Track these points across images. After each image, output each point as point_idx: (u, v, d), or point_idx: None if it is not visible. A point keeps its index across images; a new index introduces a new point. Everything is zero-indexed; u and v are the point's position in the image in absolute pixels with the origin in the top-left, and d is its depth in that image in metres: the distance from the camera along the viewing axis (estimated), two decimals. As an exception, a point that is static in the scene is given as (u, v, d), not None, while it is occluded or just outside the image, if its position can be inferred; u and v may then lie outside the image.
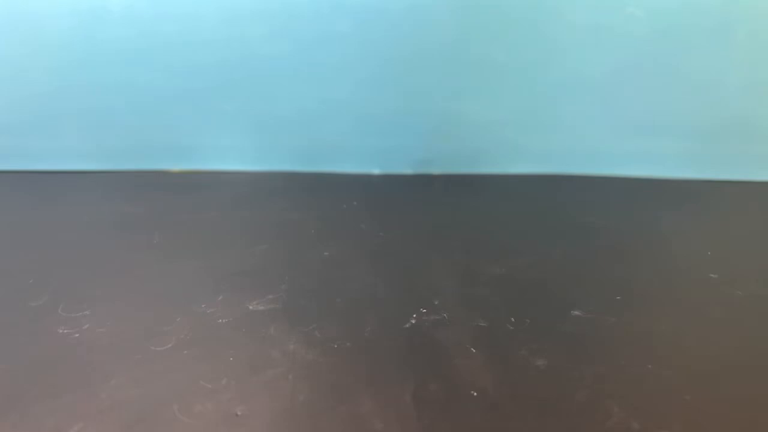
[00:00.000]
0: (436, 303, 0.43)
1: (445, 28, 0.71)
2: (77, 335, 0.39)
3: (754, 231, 0.62)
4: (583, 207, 0.67)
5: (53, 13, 0.69)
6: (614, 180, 0.76)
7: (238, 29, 0.71)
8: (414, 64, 0.73)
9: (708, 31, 0.70)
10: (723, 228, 0.63)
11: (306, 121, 0.76)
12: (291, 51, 0.72)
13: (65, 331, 0.39)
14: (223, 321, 0.40)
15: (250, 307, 0.42)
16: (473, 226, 0.61)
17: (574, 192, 0.73)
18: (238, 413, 0.31)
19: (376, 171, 0.78)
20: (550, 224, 0.62)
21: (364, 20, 0.71)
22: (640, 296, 0.46)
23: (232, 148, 0.77)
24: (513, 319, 0.42)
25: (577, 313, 0.43)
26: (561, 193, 0.73)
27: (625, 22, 0.70)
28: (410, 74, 0.74)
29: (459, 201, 0.69)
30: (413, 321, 0.41)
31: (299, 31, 0.71)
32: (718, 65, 0.72)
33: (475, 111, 0.75)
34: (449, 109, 0.75)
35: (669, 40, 0.71)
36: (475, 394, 0.33)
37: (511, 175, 0.78)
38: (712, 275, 0.50)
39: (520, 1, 0.70)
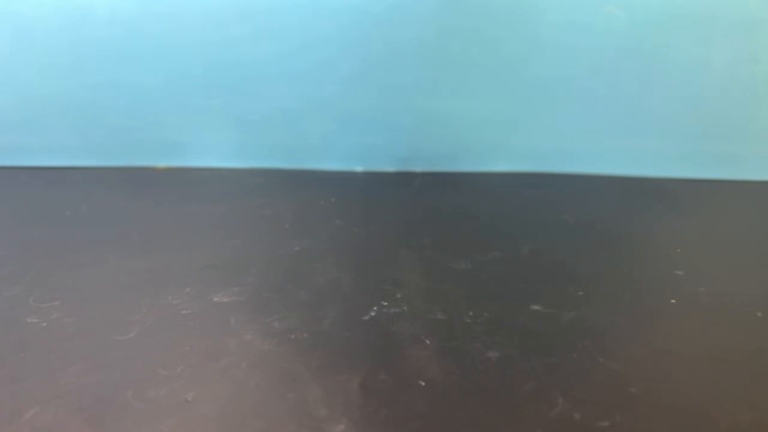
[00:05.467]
0: (398, 296, 0.44)
1: (426, 26, 0.72)
2: (45, 324, 0.40)
3: (728, 230, 0.62)
4: (560, 205, 0.67)
5: (40, 13, 0.71)
6: (594, 178, 0.77)
7: (222, 29, 0.72)
8: (396, 63, 0.74)
9: (688, 30, 0.71)
10: (697, 227, 0.63)
11: (289, 118, 0.77)
12: (274, 50, 0.73)
13: (34, 320, 0.40)
14: (187, 312, 0.41)
15: (215, 299, 0.43)
16: (448, 223, 0.62)
17: (553, 190, 0.73)
18: (189, 399, 0.32)
19: (358, 168, 0.79)
20: (525, 221, 0.63)
21: (346, 19, 0.71)
22: (602, 292, 0.47)
23: (215, 145, 0.78)
24: (471, 313, 0.42)
25: (536, 307, 0.43)
26: (540, 191, 0.73)
27: (605, 20, 0.71)
28: (392, 72, 0.75)
29: (438, 198, 0.70)
30: (372, 314, 0.42)
31: (282, 30, 0.72)
32: (698, 65, 0.72)
33: (456, 109, 0.76)
34: (431, 107, 0.76)
35: (649, 38, 0.71)
36: (423, 383, 0.34)
37: (492, 173, 0.78)
38: (677, 272, 0.50)
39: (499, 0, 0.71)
